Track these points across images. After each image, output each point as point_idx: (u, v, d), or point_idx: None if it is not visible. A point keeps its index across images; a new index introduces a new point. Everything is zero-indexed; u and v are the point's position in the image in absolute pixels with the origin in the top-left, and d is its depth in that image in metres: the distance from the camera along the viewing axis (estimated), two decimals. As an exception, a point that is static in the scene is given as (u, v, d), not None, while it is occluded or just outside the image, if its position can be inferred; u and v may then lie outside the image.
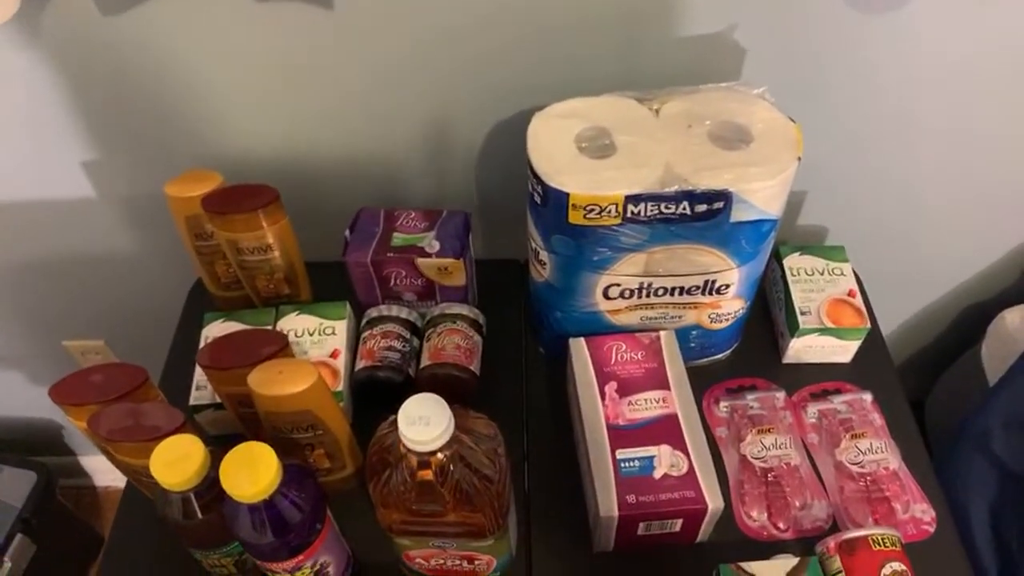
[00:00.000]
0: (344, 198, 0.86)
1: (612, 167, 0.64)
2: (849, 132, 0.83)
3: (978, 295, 1.09)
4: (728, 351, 0.83)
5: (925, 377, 1.20)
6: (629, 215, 0.63)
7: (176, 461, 0.53)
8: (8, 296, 1.07)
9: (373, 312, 0.80)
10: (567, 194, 0.62)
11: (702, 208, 0.63)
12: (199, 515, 0.54)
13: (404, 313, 0.79)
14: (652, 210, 0.63)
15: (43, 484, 1.21)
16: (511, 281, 0.89)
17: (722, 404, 0.79)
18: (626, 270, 0.70)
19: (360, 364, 0.77)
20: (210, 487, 0.54)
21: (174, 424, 0.56)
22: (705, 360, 0.82)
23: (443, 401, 0.52)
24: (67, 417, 0.63)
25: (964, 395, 1.05)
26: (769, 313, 0.86)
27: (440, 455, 0.53)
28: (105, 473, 1.45)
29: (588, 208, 0.63)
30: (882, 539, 0.63)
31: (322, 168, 0.85)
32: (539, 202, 0.66)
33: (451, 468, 0.53)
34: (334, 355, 0.76)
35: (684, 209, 0.63)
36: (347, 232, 0.79)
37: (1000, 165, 0.88)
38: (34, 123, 0.82)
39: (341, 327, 0.79)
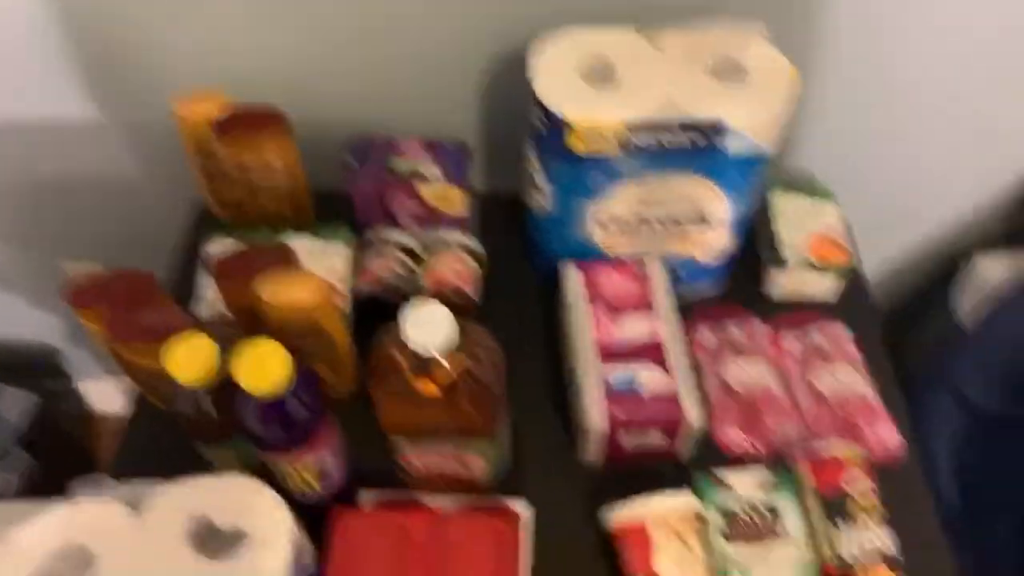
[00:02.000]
0: (346, 127, 0.88)
1: (613, 96, 0.66)
2: (844, 77, 0.85)
3: (956, 242, 1.12)
4: (715, 286, 0.86)
5: (902, 323, 1.24)
6: (628, 143, 0.66)
7: (189, 358, 0.56)
8: (9, 217, 1.08)
9: (373, 236, 0.82)
10: (569, 120, 0.65)
11: (697, 137, 0.66)
12: (210, 410, 0.57)
13: (404, 238, 0.82)
14: (650, 139, 0.66)
15: (43, 404, 1.24)
16: (508, 214, 0.91)
17: (705, 332, 0.83)
18: (621, 199, 0.72)
19: (360, 285, 0.80)
20: (223, 380, 0.57)
21: (186, 324, 0.59)
22: (692, 293, 0.85)
23: (445, 309, 0.56)
24: (82, 320, 0.66)
25: (938, 338, 1.10)
26: (756, 252, 0.89)
27: (441, 358, 0.56)
28: (101, 397, 1.48)
29: (588, 135, 0.65)
30: (850, 455, 0.68)
31: (325, 96, 0.87)
32: (540, 128, 0.68)
33: (451, 371, 0.57)
34: (335, 275, 0.78)
35: (681, 138, 0.66)
36: (349, 157, 0.81)
37: (990, 109, 0.91)
38: (39, 43, 0.82)
39: (342, 249, 0.81)
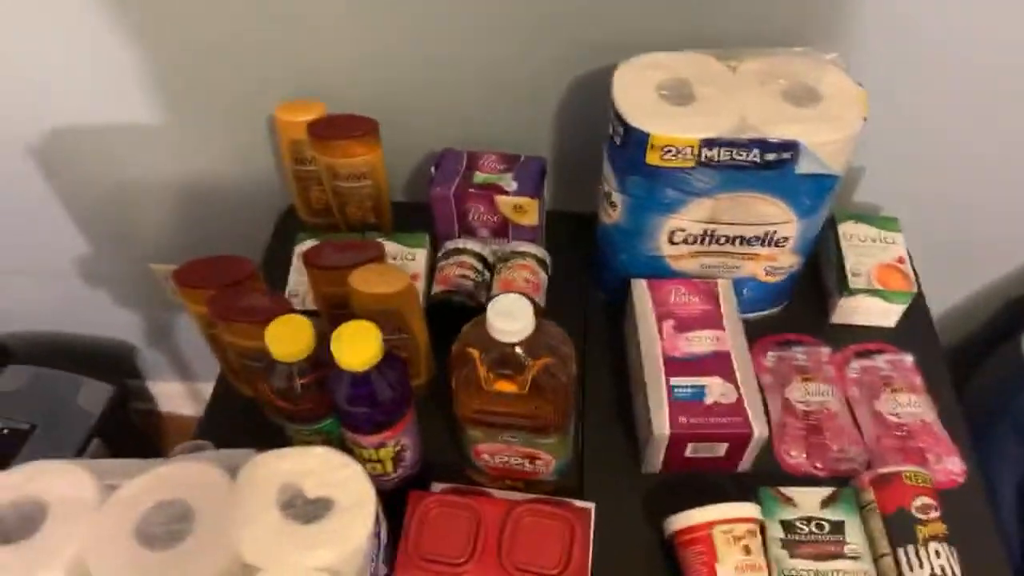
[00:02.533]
0: (431, 142, 0.93)
1: (690, 113, 0.69)
2: (916, 108, 0.87)
3: (1021, 285, 1.12)
4: (778, 308, 0.88)
5: (966, 365, 1.23)
6: (703, 159, 0.69)
7: (288, 335, 0.60)
8: (100, 217, 1.15)
9: (450, 244, 0.87)
10: (648, 134, 0.68)
11: (771, 157, 0.69)
12: (302, 386, 0.61)
13: (478, 247, 0.86)
14: (724, 155, 0.69)
15: (119, 397, 1.30)
16: (578, 232, 0.94)
17: (770, 355, 0.84)
18: (692, 215, 0.75)
19: (436, 288, 0.84)
20: (314, 362, 0.61)
21: (284, 307, 0.63)
22: (756, 315, 0.87)
23: (527, 300, 0.59)
24: (184, 302, 0.71)
25: (1002, 383, 1.08)
26: (820, 278, 0.91)
27: (520, 348, 0.59)
28: (170, 398, 1.54)
29: (666, 149, 0.69)
30: (914, 476, 0.68)
31: (413, 111, 0.92)
32: (618, 143, 0.72)
33: (529, 361, 0.60)
34: (414, 278, 0.83)
35: (754, 156, 0.69)
36: (432, 168, 0.86)
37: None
38: (139, 48, 0.89)
39: (420, 255, 0.86)
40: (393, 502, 0.65)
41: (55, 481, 0.56)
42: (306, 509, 0.55)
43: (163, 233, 1.17)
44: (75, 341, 1.39)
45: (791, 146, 0.68)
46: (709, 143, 0.68)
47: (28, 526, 0.54)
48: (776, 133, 0.68)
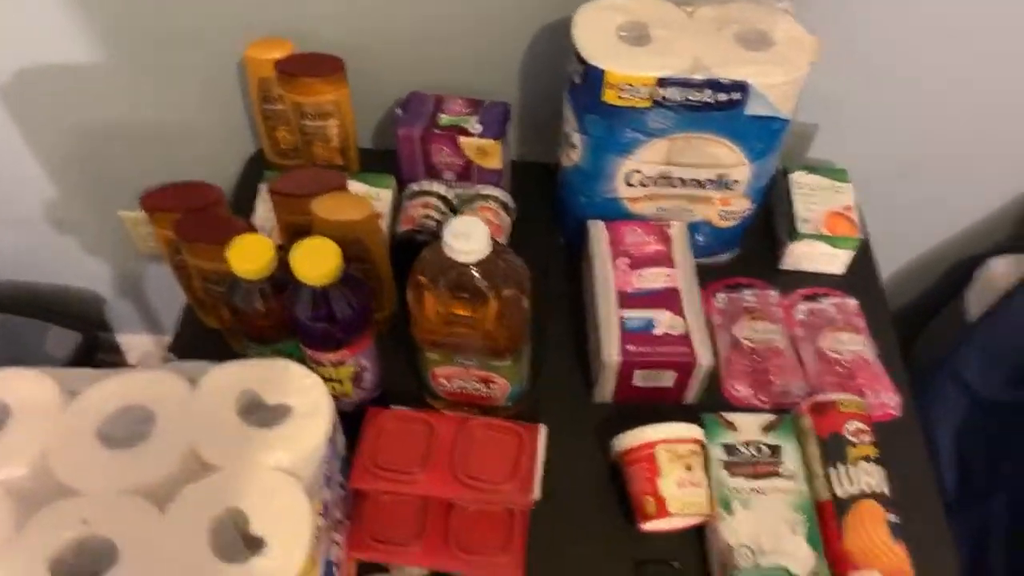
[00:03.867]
0: (398, 86, 0.95)
1: (646, 54, 0.72)
2: (867, 64, 0.90)
3: (968, 247, 1.16)
4: (731, 254, 0.91)
5: (915, 324, 1.28)
6: (658, 98, 0.72)
7: (249, 253, 0.62)
8: (67, 164, 1.15)
9: (415, 186, 0.89)
10: (604, 71, 0.71)
11: (723, 97, 0.71)
12: (264, 304, 0.63)
13: (443, 189, 0.88)
14: (678, 95, 0.71)
15: (87, 346, 1.31)
16: (542, 181, 0.97)
17: (720, 296, 0.87)
18: (648, 157, 0.78)
19: (401, 228, 0.86)
20: (275, 282, 0.63)
21: (247, 229, 0.65)
22: (709, 260, 0.90)
23: (483, 223, 0.61)
24: (152, 226, 0.72)
25: (945, 338, 1.13)
26: (773, 228, 0.94)
27: (476, 270, 0.62)
28: (138, 351, 1.55)
29: (622, 87, 0.71)
30: (849, 403, 0.72)
31: (379, 55, 0.93)
32: (578, 82, 0.74)
33: (484, 283, 0.62)
34: (378, 217, 0.85)
35: (707, 97, 0.71)
36: (398, 110, 0.88)
37: (1010, 113, 0.96)
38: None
39: (386, 195, 0.88)
40: (352, 425, 0.67)
41: (19, 385, 0.58)
42: (264, 415, 0.57)
43: (132, 180, 1.17)
44: (43, 290, 1.39)
45: (741, 87, 0.71)
46: (663, 82, 0.70)
47: (-8, 426, 0.56)
48: (727, 74, 0.70)
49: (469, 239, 0.60)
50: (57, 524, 0.51)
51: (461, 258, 0.60)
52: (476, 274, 0.62)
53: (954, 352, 1.03)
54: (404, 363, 0.77)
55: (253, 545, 0.51)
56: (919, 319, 1.27)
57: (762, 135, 0.76)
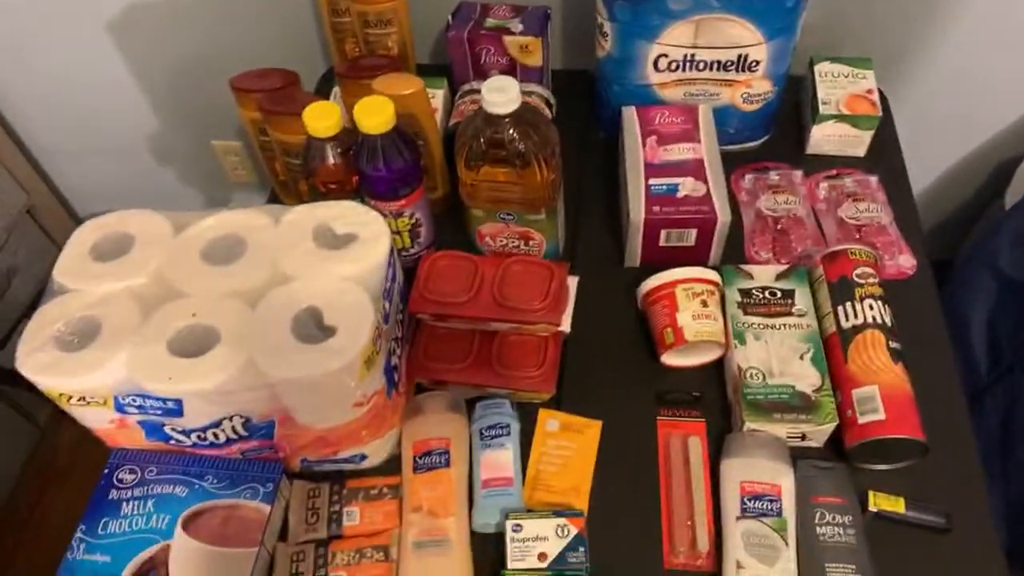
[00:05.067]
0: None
1: (665, -61, 0.80)
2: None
3: (1008, 151, 1.18)
4: (759, 141, 0.98)
5: (955, 236, 1.30)
6: (677, -22, 0.80)
7: (320, 114, 0.73)
8: (169, 93, 1.31)
9: (465, 86, 0.99)
10: (627, -45, 0.79)
11: (737, -26, 0.79)
12: (335, 161, 0.75)
13: (490, 88, 0.98)
14: (695, -26, 0.79)
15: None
16: (580, 86, 1.05)
17: (747, 177, 0.94)
18: (674, 40, 0.86)
19: (452, 121, 0.96)
20: (344, 141, 0.74)
21: (318, 100, 0.77)
22: (739, 146, 0.97)
23: (515, 81, 0.71)
24: (237, 107, 0.85)
25: (984, 226, 1.16)
26: (800, 121, 1.00)
27: (510, 124, 0.71)
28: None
29: (644, -31, 0.79)
30: (858, 252, 0.78)
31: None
32: (605, -29, 0.83)
33: (516, 134, 0.72)
34: (434, 111, 0.95)
35: (723, -25, 0.79)
36: (449, 18, 0.98)
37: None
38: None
39: (439, 94, 0.98)
40: (412, 276, 0.78)
41: (138, 221, 0.71)
42: (335, 240, 0.69)
43: (221, 110, 1.32)
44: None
45: (754, -37, 0.78)
46: (682, -38, 0.78)
47: (121, 250, 0.69)
48: (740, -49, 0.77)
49: (504, 92, 0.69)
50: (173, 316, 0.64)
51: (497, 110, 0.70)
52: (510, 128, 0.72)
53: (989, 242, 1.07)
54: (457, 237, 0.87)
55: (326, 333, 0.63)
56: (965, 227, 1.29)
57: (777, 12, 0.82)
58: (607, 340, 0.81)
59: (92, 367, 0.61)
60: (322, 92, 1.09)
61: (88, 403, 0.63)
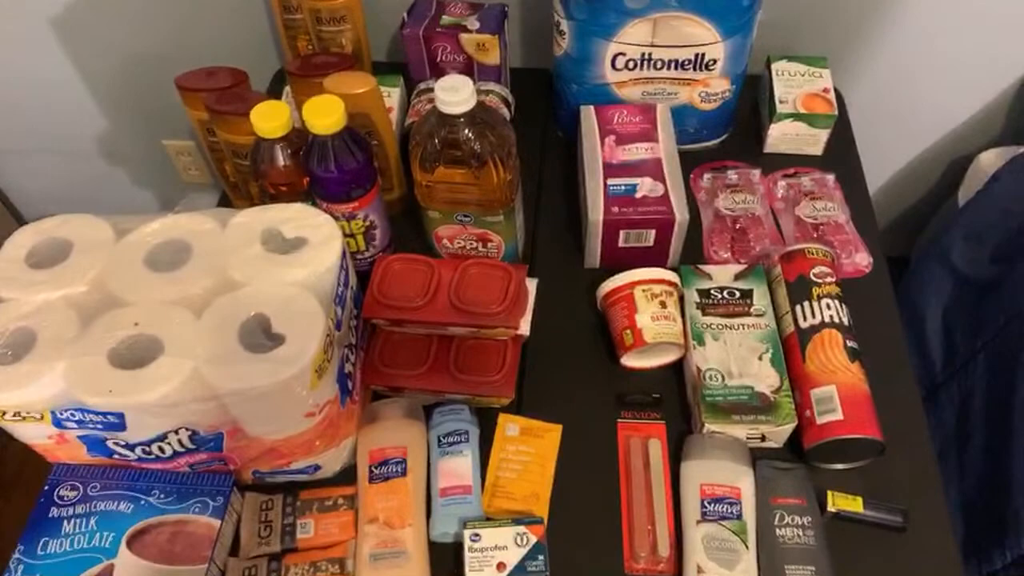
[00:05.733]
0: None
1: (620, -64, 0.79)
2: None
3: (961, 149, 1.20)
4: (717, 140, 0.98)
5: (911, 232, 1.32)
6: (632, -24, 0.79)
7: (269, 114, 0.71)
8: (119, 93, 1.26)
9: (422, 85, 0.97)
10: (582, -49, 0.78)
11: (692, -28, 0.78)
12: (285, 162, 0.72)
13: (447, 87, 0.96)
14: (651, -28, 0.78)
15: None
16: (538, 84, 1.04)
17: (705, 176, 0.94)
18: (631, 38, 0.85)
19: (408, 120, 0.94)
20: (293, 141, 0.72)
21: (267, 100, 0.74)
22: (697, 146, 0.97)
23: (469, 80, 0.69)
24: (184, 107, 0.82)
25: (938, 222, 1.18)
26: (758, 119, 1.00)
27: (464, 124, 0.70)
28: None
29: (599, -34, 0.78)
30: (815, 251, 0.78)
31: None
32: (561, -32, 0.82)
33: (471, 135, 0.70)
34: (388, 111, 0.93)
35: (678, -28, 0.78)
36: (405, 14, 0.96)
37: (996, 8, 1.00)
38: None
39: (395, 93, 0.96)
40: (366, 281, 0.76)
41: (78, 226, 0.68)
42: (284, 244, 0.67)
43: (173, 110, 1.27)
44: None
45: (709, -40, 0.77)
46: (637, -41, 0.77)
47: (58, 257, 0.66)
48: (695, -51, 0.77)
49: (457, 92, 0.68)
50: (114, 326, 0.61)
51: (451, 110, 0.68)
52: (465, 128, 0.70)
53: (942, 238, 1.08)
54: (413, 239, 0.86)
55: (275, 341, 0.61)
56: (920, 223, 1.31)
57: (733, 10, 0.82)
58: (567, 342, 0.80)
59: (27, 380, 0.59)
60: (274, 91, 1.06)
61: (24, 418, 0.60)
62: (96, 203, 1.49)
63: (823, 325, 0.73)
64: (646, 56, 0.87)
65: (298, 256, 0.65)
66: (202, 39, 1.15)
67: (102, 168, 1.40)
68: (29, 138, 1.35)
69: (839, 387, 0.69)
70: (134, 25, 1.14)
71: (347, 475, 0.72)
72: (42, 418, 0.60)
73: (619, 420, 0.75)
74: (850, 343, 0.72)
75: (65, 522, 0.65)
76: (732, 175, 0.93)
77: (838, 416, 0.67)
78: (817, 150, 0.95)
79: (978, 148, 1.17)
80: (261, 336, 0.62)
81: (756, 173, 0.93)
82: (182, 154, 1.35)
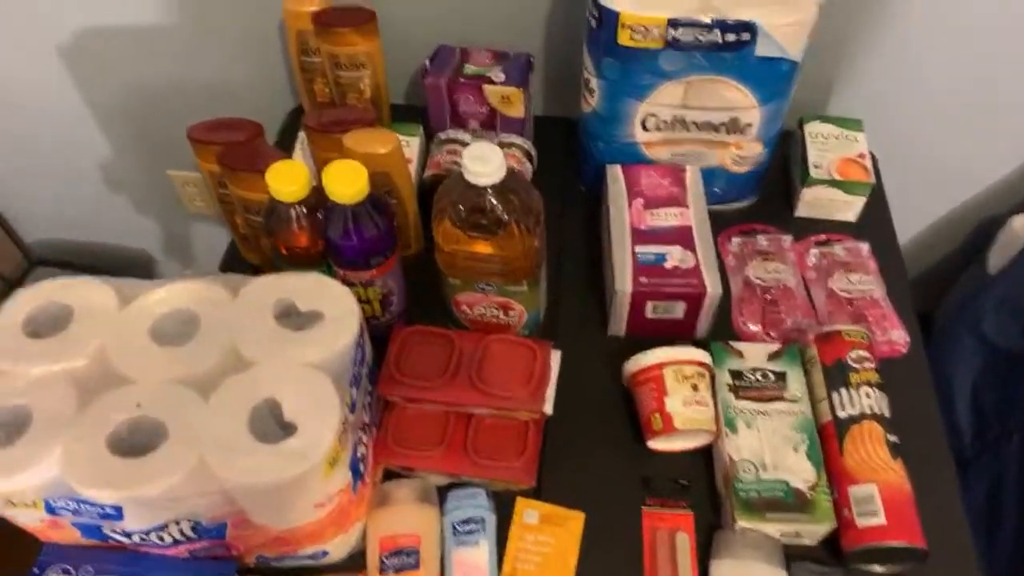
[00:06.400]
0: (427, 40, 0.99)
1: (659, -2, 0.76)
2: (889, 26, 0.92)
3: (991, 208, 1.17)
4: (747, 202, 0.94)
5: (936, 289, 1.29)
6: (669, 39, 0.75)
7: (286, 176, 0.67)
8: (125, 121, 1.23)
9: (442, 135, 0.94)
10: (618, 12, 0.74)
11: (731, 37, 0.75)
12: (300, 227, 0.69)
13: (468, 137, 0.92)
14: (688, 35, 0.75)
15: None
16: (562, 135, 1.01)
17: (734, 240, 0.90)
18: (663, 100, 0.82)
19: (428, 172, 0.91)
20: (311, 205, 0.68)
21: (284, 158, 0.71)
22: (725, 206, 0.93)
23: (499, 149, 0.66)
24: (195, 159, 0.78)
25: (966, 293, 1.14)
26: (789, 179, 0.97)
27: (492, 194, 0.66)
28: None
29: (635, 28, 0.75)
30: (853, 333, 0.75)
31: (409, 5, 0.98)
32: (594, 26, 0.78)
33: (499, 205, 0.66)
34: (408, 161, 0.90)
35: (716, 37, 0.75)
36: (427, 62, 0.93)
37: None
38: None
39: (414, 143, 0.93)
40: (382, 347, 0.72)
41: (80, 291, 0.64)
42: (298, 320, 0.63)
43: (180, 139, 1.24)
44: (96, 248, 1.48)
45: (749, 27, 0.74)
46: (673, 23, 0.74)
47: (58, 325, 0.62)
48: (735, 14, 0.74)
49: (487, 163, 0.64)
50: (115, 407, 0.57)
51: (479, 181, 0.65)
52: (493, 198, 0.67)
53: (972, 305, 1.05)
54: (430, 298, 0.82)
55: (287, 430, 0.57)
56: (946, 280, 1.28)
57: (771, 77, 0.79)
58: (589, 418, 0.77)
59: (20, 467, 0.54)
60: (289, 131, 1.03)
61: (15, 505, 0.56)
62: (98, 229, 1.45)
63: (863, 416, 0.69)
64: (678, 118, 0.83)
65: (313, 333, 0.61)
66: (213, 72, 1.11)
67: (104, 195, 1.36)
68: (31, 162, 1.31)
69: (880, 487, 0.65)
70: (143, 54, 1.11)
71: (355, 560, 0.68)
72: (34, 505, 0.56)
73: (644, 507, 0.71)
74: (891, 437, 0.68)
75: (54, 610, 0.61)
76: (762, 240, 0.89)
77: (880, 520, 0.64)
78: (851, 217, 0.92)
79: (1009, 209, 1.14)
80: (271, 423, 0.58)
81: (787, 240, 0.90)
82: (188, 185, 1.32)
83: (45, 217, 1.42)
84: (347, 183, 0.64)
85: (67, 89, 1.17)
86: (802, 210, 0.92)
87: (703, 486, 0.73)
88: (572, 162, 0.98)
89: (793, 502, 0.66)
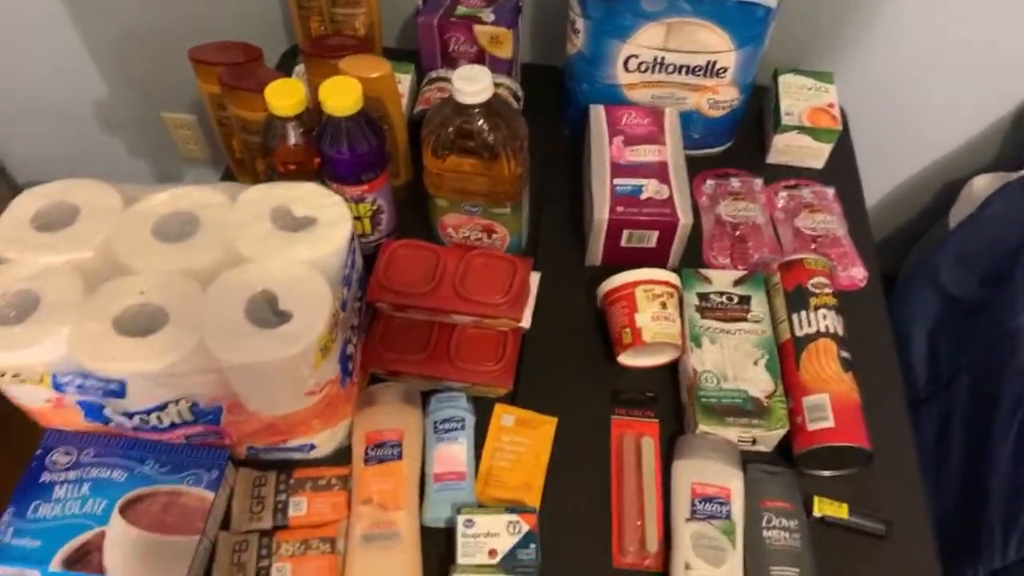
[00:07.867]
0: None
1: (642, -61, 0.80)
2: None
3: (955, 172, 1.22)
4: (722, 147, 0.99)
5: (901, 252, 1.34)
6: (651, -21, 0.80)
7: (283, 92, 0.71)
8: (121, 63, 1.25)
9: (432, 74, 0.97)
10: (604, -48, 0.79)
11: (710, -21, 0.79)
12: (296, 141, 0.72)
13: (458, 77, 0.96)
14: (670, -24, 0.79)
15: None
16: (547, 82, 1.05)
17: (708, 182, 0.95)
18: (645, 41, 0.86)
19: (418, 108, 0.94)
20: (306, 120, 0.72)
21: (281, 77, 0.74)
22: (702, 152, 0.98)
23: (487, 70, 0.69)
24: (196, 80, 0.81)
25: (928, 243, 1.20)
26: (763, 130, 1.02)
27: (479, 114, 0.70)
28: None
29: (619, -33, 0.79)
30: (814, 261, 0.80)
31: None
32: (581, -34, 0.82)
33: (485, 126, 0.70)
34: (400, 97, 0.93)
35: (696, -21, 0.79)
36: (420, 1, 0.96)
37: (991, 39, 1.02)
38: None
39: (406, 80, 0.96)
40: (371, 265, 0.76)
41: (87, 191, 0.68)
42: (293, 222, 0.67)
43: (175, 83, 1.27)
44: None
45: (727, -31, 0.78)
46: (657, -37, 0.78)
47: (65, 221, 0.65)
48: (715, -43, 0.78)
49: (475, 82, 0.68)
50: (120, 293, 0.61)
51: (467, 99, 0.69)
52: (480, 119, 0.71)
53: (931, 259, 1.10)
54: (418, 228, 0.86)
55: (282, 318, 0.61)
56: (910, 243, 1.33)
57: (748, 21, 0.83)
58: (565, 337, 0.81)
59: (29, 342, 0.58)
60: (284, 70, 1.06)
61: (24, 380, 0.60)
62: (88, 171, 1.46)
63: (818, 335, 0.74)
64: (658, 60, 0.88)
65: (307, 235, 0.65)
66: (210, 13, 1.14)
67: (98, 136, 1.39)
68: (25, 101, 1.33)
69: (831, 396, 0.71)
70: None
71: (340, 456, 0.72)
72: (42, 381, 0.60)
73: (613, 416, 0.76)
74: (844, 353, 0.74)
75: (57, 487, 0.65)
76: (735, 183, 0.94)
77: (829, 424, 0.69)
78: (819, 163, 0.97)
79: (971, 172, 1.20)
80: (267, 312, 0.62)
81: (759, 182, 0.94)
82: (181, 127, 1.34)
83: (38, 158, 1.45)
84: (342, 95, 0.68)
85: (64, 28, 1.19)
86: (773, 156, 0.97)
87: (668, 400, 0.77)
88: (556, 108, 1.02)
89: (751, 409, 0.71)
